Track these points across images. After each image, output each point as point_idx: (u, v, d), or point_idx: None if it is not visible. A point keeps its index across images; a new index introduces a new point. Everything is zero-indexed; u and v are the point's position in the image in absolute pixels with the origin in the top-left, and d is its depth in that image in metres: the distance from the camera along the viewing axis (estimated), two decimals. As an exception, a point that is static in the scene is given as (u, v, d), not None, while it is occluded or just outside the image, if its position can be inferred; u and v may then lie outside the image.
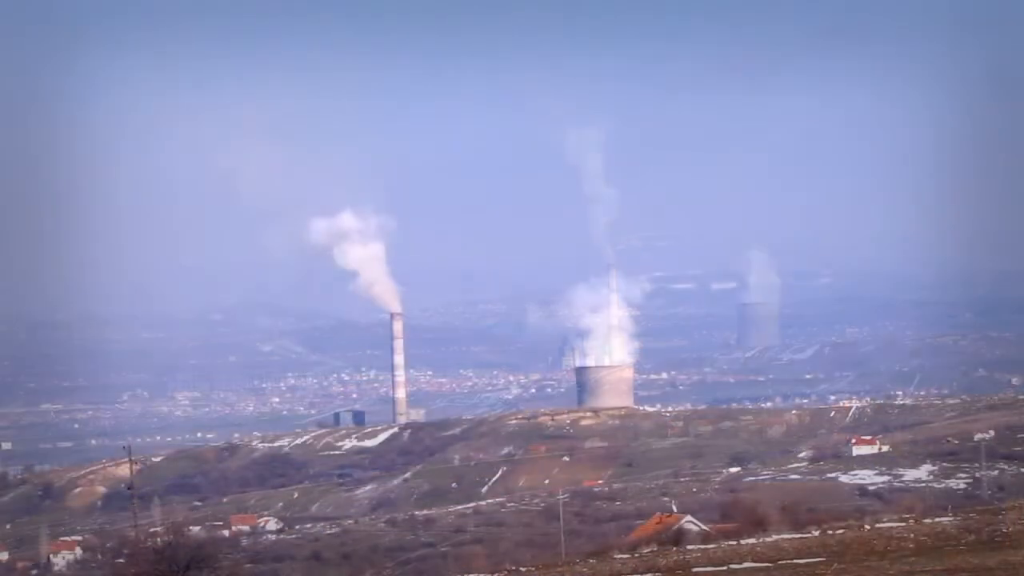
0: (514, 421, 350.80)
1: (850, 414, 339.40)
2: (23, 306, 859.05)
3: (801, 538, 69.54)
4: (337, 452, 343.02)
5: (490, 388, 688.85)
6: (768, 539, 71.87)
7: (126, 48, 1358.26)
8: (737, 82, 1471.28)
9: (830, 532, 71.18)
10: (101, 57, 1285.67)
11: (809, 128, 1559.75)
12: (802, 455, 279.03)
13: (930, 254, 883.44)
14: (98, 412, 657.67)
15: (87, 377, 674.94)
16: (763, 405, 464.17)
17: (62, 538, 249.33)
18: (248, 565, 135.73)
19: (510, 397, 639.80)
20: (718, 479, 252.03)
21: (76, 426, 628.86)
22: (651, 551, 75.61)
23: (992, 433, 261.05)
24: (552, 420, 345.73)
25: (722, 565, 60.00)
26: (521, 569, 72.56)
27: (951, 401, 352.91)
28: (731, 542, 73.07)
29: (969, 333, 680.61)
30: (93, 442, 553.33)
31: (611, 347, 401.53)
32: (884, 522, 73.64)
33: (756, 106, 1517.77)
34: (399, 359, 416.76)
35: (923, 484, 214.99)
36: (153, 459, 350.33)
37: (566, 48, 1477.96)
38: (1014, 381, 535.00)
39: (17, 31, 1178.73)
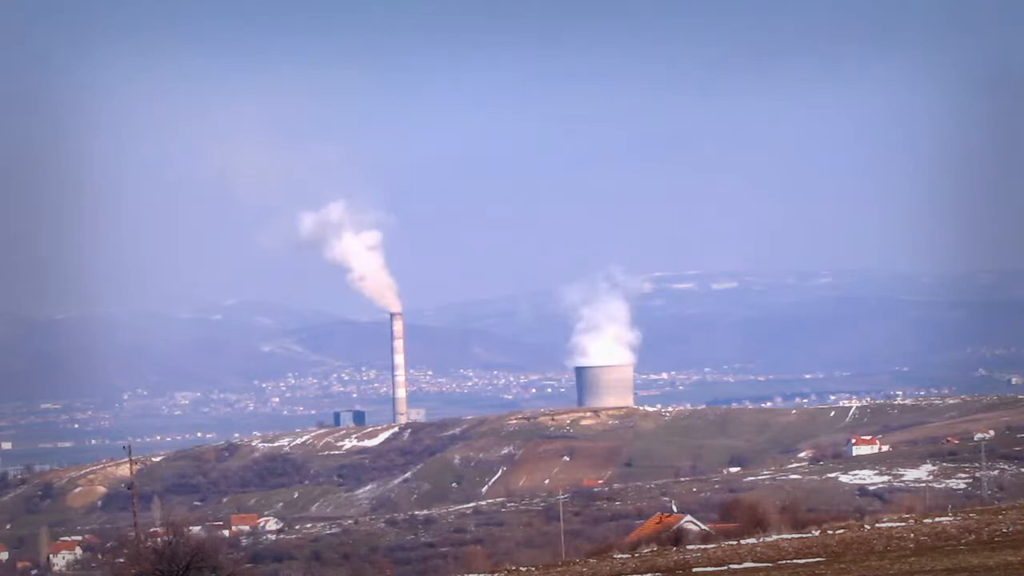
0: (514, 421, 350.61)
1: (850, 414, 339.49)
2: (23, 306, 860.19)
3: (801, 538, 69.54)
4: (337, 452, 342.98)
5: (490, 388, 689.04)
6: (768, 539, 71.88)
7: (125, 49, 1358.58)
8: (738, 83, 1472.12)
9: (830, 532, 71.19)
10: (99, 58, 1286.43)
11: (810, 129, 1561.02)
12: (802, 455, 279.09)
13: (930, 254, 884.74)
14: (98, 412, 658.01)
15: (87, 377, 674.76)
16: (763, 405, 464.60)
17: (62, 538, 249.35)
18: (248, 565, 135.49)
19: (510, 397, 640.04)
20: (718, 479, 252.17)
21: (76, 426, 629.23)
22: (651, 551, 75.61)
23: (992, 433, 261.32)
24: (552, 420, 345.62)
25: (722, 565, 60.00)
26: (521, 569, 72.54)
27: (951, 401, 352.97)
28: (731, 542, 73.06)
29: (969, 333, 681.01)
30: (93, 442, 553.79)
31: (611, 347, 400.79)
32: (884, 522, 73.63)
33: (757, 107, 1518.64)
34: (399, 359, 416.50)
35: (923, 484, 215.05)
36: (153, 459, 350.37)
37: (566, 48, 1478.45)
38: (1014, 381, 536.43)
39: (15, 31, 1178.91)
